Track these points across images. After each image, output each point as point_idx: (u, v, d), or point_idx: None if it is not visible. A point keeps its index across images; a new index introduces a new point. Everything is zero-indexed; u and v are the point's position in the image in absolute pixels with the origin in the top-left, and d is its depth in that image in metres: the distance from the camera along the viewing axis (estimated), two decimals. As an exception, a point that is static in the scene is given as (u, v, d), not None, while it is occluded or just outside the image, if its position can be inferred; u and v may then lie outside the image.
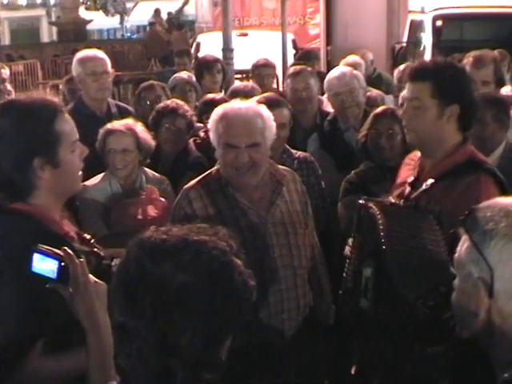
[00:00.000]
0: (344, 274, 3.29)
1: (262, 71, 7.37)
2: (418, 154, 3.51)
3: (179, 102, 5.29)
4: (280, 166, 3.79)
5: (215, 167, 3.68)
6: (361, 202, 3.20)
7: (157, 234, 1.71)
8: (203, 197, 3.56)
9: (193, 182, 3.68)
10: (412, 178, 3.36)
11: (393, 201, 3.24)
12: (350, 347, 5.05)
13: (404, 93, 5.71)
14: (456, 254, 1.84)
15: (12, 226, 2.51)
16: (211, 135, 3.59)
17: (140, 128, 4.55)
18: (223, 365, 1.67)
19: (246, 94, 5.88)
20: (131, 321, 1.65)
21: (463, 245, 1.81)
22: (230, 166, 3.47)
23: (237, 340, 1.72)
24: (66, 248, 2.25)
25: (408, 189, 3.32)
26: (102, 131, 4.50)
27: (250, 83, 6.27)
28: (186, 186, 3.66)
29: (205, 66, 7.09)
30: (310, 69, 5.89)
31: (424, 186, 3.20)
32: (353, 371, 5.07)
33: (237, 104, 3.65)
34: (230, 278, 1.67)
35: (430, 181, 3.19)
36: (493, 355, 1.78)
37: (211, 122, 3.59)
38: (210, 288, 1.63)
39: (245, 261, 1.76)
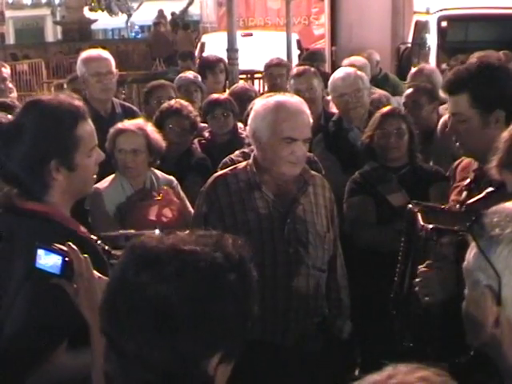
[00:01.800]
0: (394, 282, 3.20)
1: (274, 71, 7.29)
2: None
3: (183, 102, 5.26)
4: (312, 171, 3.79)
5: (246, 161, 3.70)
6: (410, 206, 3.10)
7: (149, 241, 1.65)
8: (229, 185, 3.60)
9: (223, 170, 3.75)
10: (468, 181, 3.27)
11: (442, 206, 3.13)
12: (353, 351, 5.05)
13: (407, 93, 5.74)
14: (465, 262, 1.80)
15: (34, 230, 2.49)
16: (258, 127, 3.54)
17: (151, 128, 4.51)
18: (211, 381, 1.59)
19: (244, 95, 5.89)
20: (111, 329, 1.61)
21: (471, 252, 1.77)
22: (284, 159, 3.47)
23: (233, 355, 1.64)
24: (69, 243, 2.25)
25: (465, 193, 3.23)
26: (112, 130, 4.45)
27: (245, 84, 6.24)
28: (216, 174, 3.73)
29: (207, 66, 7.07)
30: (313, 69, 5.84)
31: (484, 193, 3.05)
32: (356, 373, 5.07)
33: (286, 97, 3.65)
34: (215, 294, 1.58)
35: (490, 188, 3.03)
36: (502, 365, 1.74)
37: (259, 114, 3.55)
38: (190, 304, 1.55)
39: (251, 273, 1.67)
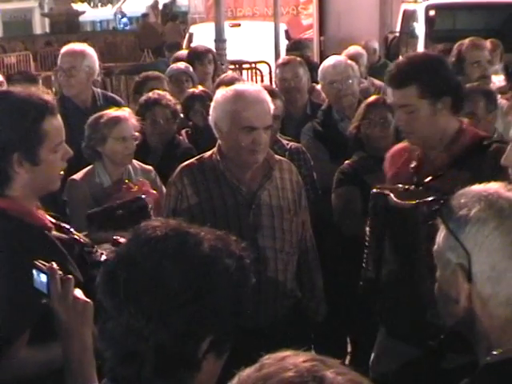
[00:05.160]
0: (363, 264, 3.31)
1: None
2: (403, 146, 3.55)
3: (161, 92, 5.24)
4: (277, 156, 3.84)
5: (212, 150, 3.71)
6: (375, 190, 3.26)
7: (154, 221, 1.73)
8: (195, 174, 3.65)
9: (190, 160, 3.76)
10: (415, 164, 3.37)
11: (406, 187, 3.26)
12: (343, 339, 5.08)
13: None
14: (435, 246, 1.88)
15: None
16: (219, 117, 3.57)
17: (133, 116, 4.50)
18: (199, 364, 1.63)
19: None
20: (106, 299, 1.66)
21: (440, 234, 1.85)
22: (245, 147, 3.50)
23: (222, 345, 1.68)
24: (53, 263, 2.23)
25: (414, 177, 3.34)
26: (102, 120, 4.34)
27: (232, 74, 6.23)
28: (182, 164, 3.75)
29: (196, 57, 7.05)
30: (299, 59, 5.85)
31: (440, 172, 3.24)
32: (347, 362, 5.10)
33: (246, 86, 3.70)
34: (210, 274, 1.63)
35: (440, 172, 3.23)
36: (475, 341, 1.81)
37: (219, 104, 3.58)
38: (184, 279, 1.60)
39: (249, 270, 1.75)
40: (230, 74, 6.56)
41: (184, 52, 7.96)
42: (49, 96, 2.65)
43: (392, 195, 3.12)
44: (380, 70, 8.83)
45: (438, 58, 3.53)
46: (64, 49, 5.44)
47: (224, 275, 1.65)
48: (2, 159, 2.53)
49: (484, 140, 3.35)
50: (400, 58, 3.36)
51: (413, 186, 3.25)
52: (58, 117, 2.64)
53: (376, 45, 9.82)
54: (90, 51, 5.42)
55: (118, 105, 5.09)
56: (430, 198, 2.99)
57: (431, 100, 3.24)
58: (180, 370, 1.62)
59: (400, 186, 3.28)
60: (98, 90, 5.60)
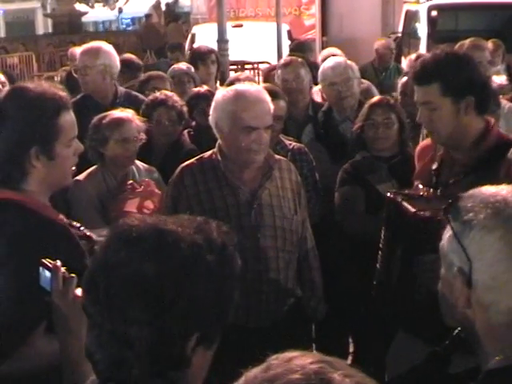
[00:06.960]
0: (378, 266, 3.30)
1: None
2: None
3: (168, 93, 5.23)
4: (277, 156, 3.85)
5: (212, 150, 3.72)
6: (389, 195, 3.22)
7: (130, 221, 1.69)
8: (196, 174, 3.67)
9: (190, 160, 3.78)
10: (436, 165, 3.35)
11: (421, 193, 3.21)
12: (345, 339, 5.09)
13: (403, 81, 5.72)
14: (441, 242, 1.82)
15: (8, 217, 2.55)
16: (219, 117, 3.59)
17: (136, 117, 4.49)
18: (188, 361, 1.61)
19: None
20: (90, 307, 1.64)
21: (446, 234, 1.80)
22: (245, 147, 3.51)
23: (211, 339, 1.67)
24: (58, 261, 2.25)
25: (434, 177, 3.32)
26: (105, 122, 4.36)
27: (245, 74, 6.24)
28: (183, 164, 3.77)
29: (199, 57, 7.06)
30: (300, 60, 5.85)
31: (461, 176, 3.18)
32: (349, 361, 5.11)
33: (246, 86, 3.70)
34: (191, 274, 1.59)
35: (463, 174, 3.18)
36: (476, 346, 1.77)
37: (220, 104, 3.60)
38: (164, 281, 1.57)
39: (233, 259, 1.70)
40: (246, 74, 6.53)
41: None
42: (62, 92, 2.70)
43: (405, 203, 3.06)
44: (391, 73, 8.95)
45: (464, 57, 3.46)
46: (81, 47, 5.57)
47: (206, 273, 1.62)
48: (20, 154, 2.58)
49: (507, 143, 3.19)
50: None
51: (428, 191, 3.20)
52: (71, 112, 2.70)
53: (393, 44, 9.98)
54: (108, 49, 5.43)
55: (140, 105, 5.11)
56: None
57: (454, 99, 3.19)
58: (170, 370, 1.60)
59: (418, 189, 3.24)
60: (122, 88, 5.62)
